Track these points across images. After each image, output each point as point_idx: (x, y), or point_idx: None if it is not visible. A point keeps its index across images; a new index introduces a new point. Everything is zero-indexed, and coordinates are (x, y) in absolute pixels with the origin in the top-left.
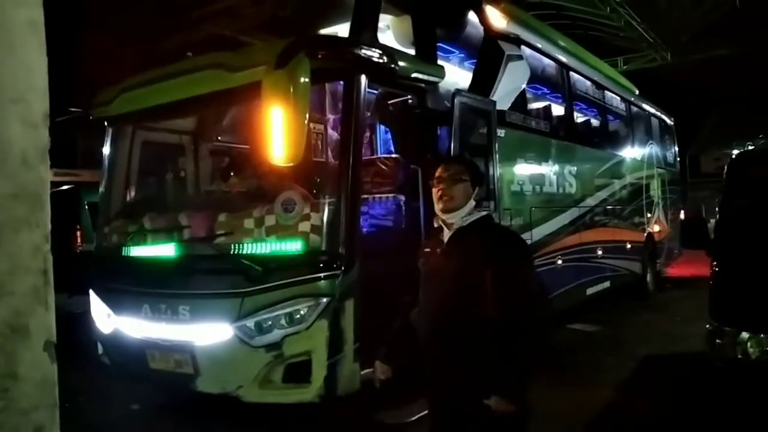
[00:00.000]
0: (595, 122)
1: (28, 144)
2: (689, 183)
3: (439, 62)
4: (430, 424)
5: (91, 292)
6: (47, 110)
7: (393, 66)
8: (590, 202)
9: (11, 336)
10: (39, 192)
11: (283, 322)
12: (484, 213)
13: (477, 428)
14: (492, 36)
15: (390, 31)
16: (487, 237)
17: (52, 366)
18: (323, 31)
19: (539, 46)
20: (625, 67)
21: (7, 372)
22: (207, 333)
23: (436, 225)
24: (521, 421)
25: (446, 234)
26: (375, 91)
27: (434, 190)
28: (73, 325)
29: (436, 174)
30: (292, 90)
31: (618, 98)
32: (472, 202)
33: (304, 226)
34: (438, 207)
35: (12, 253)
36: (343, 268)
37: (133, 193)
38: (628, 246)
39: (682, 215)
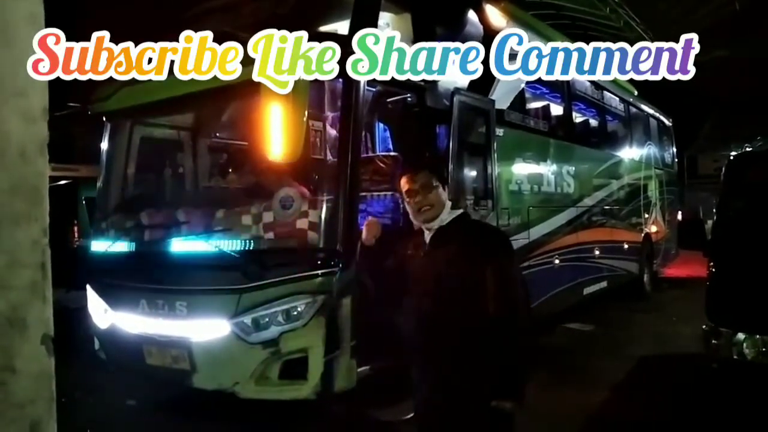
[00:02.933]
0: (593, 122)
1: (27, 138)
2: (687, 184)
3: None
4: (417, 423)
5: (88, 287)
6: (46, 104)
7: None
8: (588, 202)
9: (9, 329)
10: (38, 186)
11: (280, 318)
12: (461, 211)
13: (466, 427)
14: (492, 35)
15: (390, 28)
16: (469, 234)
17: (50, 360)
18: (323, 29)
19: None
20: None
21: (5, 365)
22: (204, 329)
23: (416, 227)
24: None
25: (427, 235)
26: (374, 89)
27: (409, 202)
28: (70, 320)
29: (405, 187)
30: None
31: (617, 99)
32: (448, 203)
33: (302, 223)
34: (419, 219)
35: (10, 246)
36: (340, 265)
37: (130, 189)
38: (626, 246)
39: (679, 216)
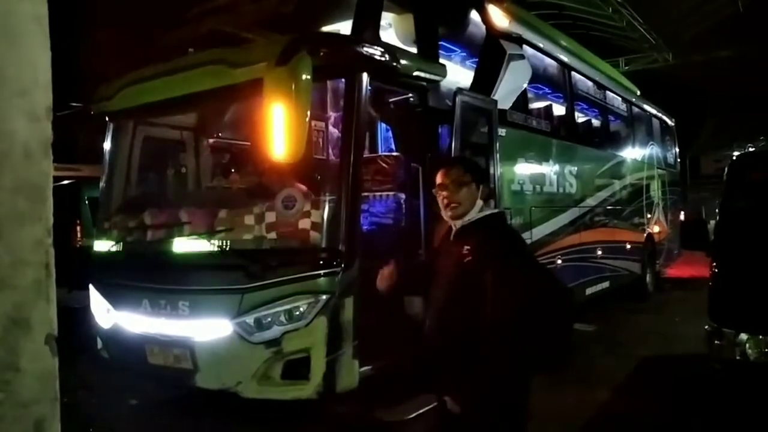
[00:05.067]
0: (596, 122)
1: (31, 137)
2: (689, 184)
3: (441, 61)
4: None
5: (90, 287)
6: (50, 104)
7: (395, 64)
8: (590, 202)
9: (13, 329)
10: (41, 186)
11: (282, 318)
12: (489, 212)
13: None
14: (494, 35)
15: (392, 29)
16: (483, 237)
17: (54, 359)
18: (325, 29)
19: (541, 45)
20: (626, 67)
21: (9, 364)
22: (206, 329)
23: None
24: (517, 423)
25: (453, 231)
26: (376, 89)
27: (438, 197)
28: (73, 319)
29: (438, 180)
30: (293, 87)
31: (619, 99)
32: (480, 202)
33: (305, 223)
34: (446, 215)
35: (14, 246)
36: (342, 265)
37: (133, 189)
38: (628, 246)
39: (681, 216)
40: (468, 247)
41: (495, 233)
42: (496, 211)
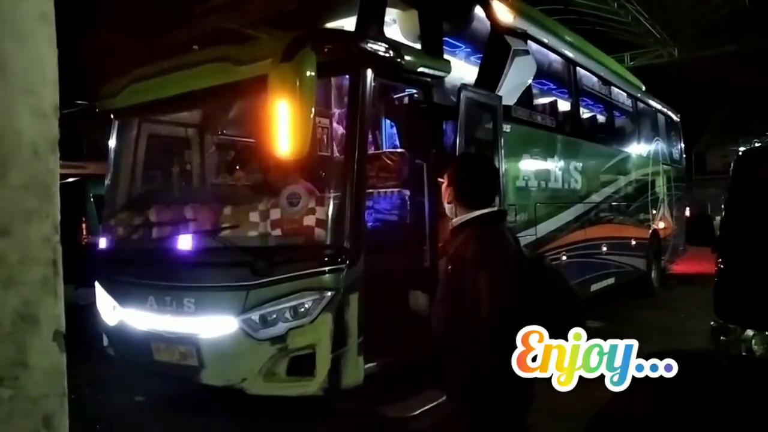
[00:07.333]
0: (601, 118)
1: (39, 135)
2: (695, 180)
3: (446, 57)
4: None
5: (96, 284)
6: (57, 102)
7: (399, 60)
8: (595, 198)
9: (21, 325)
10: (49, 183)
11: (287, 315)
12: (470, 216)
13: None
14: (498, 31)
15: (396, 25)
16: (459, 241)
17: (62, 355)
18: (329, 25)
19: (546, 41)
20: (631, 63)
21: (17, 361)
22: (212, 326)
23: None
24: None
25: None
26: (381, 85)
27: None
28: (79, 316)
29: None
30: (297, 83)
31: (624, 94)
32: (448, 205)
33: (309, 220)
34: None
35: (22, 243)
36: (347, 262)
37: (138, 186)
38: (633, 242)
39: (687, 212)
40: (451, 250)
41: (466, 238)
42: (478, 213)
